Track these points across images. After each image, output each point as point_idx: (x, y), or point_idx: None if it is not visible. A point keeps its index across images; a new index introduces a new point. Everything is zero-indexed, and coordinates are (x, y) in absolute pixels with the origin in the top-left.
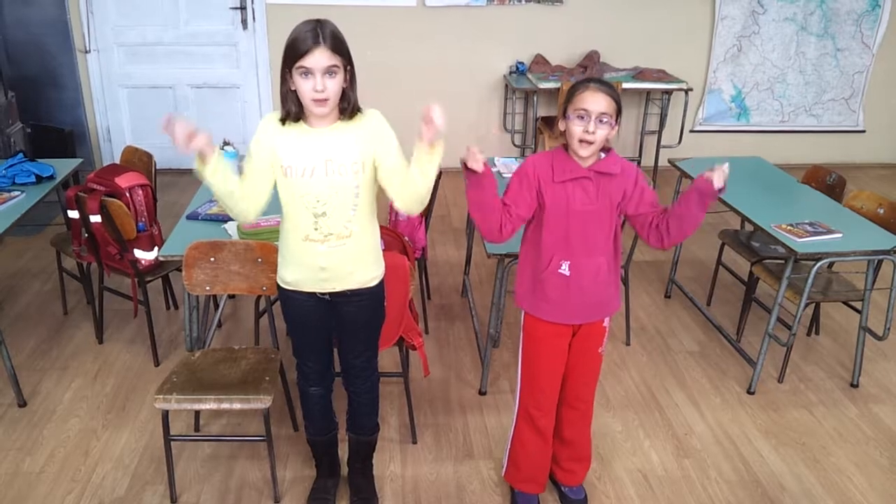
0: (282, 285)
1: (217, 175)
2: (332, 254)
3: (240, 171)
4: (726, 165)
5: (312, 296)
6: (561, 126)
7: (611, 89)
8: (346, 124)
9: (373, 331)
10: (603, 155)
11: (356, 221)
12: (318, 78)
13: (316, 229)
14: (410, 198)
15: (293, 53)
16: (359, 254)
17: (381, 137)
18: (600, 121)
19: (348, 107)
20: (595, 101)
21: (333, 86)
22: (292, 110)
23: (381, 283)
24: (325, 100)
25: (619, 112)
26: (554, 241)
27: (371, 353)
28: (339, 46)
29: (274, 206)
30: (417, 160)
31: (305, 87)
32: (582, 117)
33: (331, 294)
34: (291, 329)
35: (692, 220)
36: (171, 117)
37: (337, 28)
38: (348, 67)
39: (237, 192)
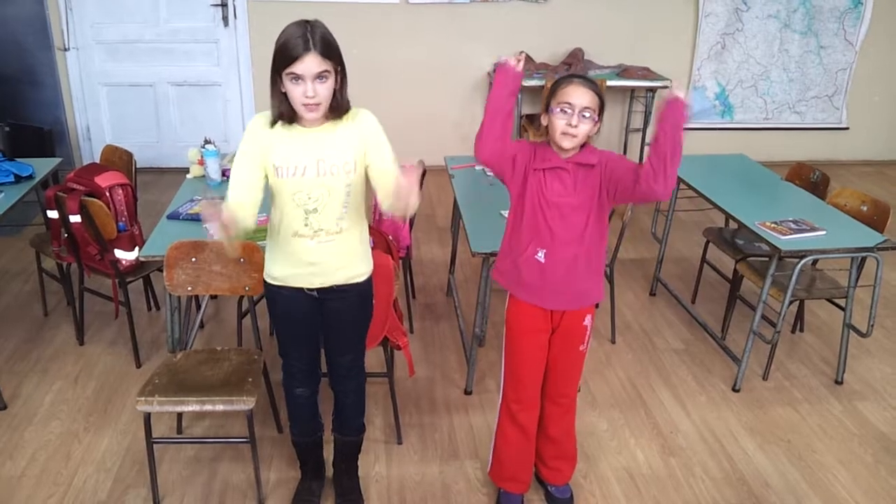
0: (269, 281)
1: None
2: (322, 249)
3: (222, 171)
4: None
5: (300, 291)
6: (543, 120)
7: (594, 85)
8: (338, 124)
9: (360, 329)
10: (580, 148)
11: (347, 218)
12: (308, 84)
13: (306, 225)
14: (396, 206)
15: (283, 59)
16: (348, 249)
17: (372, 138)
18: (583, 115)
19: (339, 106)
20: (578, 96)
21: (324, 91)
22: (283, 114)
23: (370, 279)
24: (317, 105)
25: (601, 108)
26: (531, 229)
27: (357, 351)
28: (329, 51)
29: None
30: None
31: (296, 93)
32: (565, 111)
33: (319, 290)
34: (278, 326)
35: (675, 145)
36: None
37: (327, 30)
38: (339, 69)
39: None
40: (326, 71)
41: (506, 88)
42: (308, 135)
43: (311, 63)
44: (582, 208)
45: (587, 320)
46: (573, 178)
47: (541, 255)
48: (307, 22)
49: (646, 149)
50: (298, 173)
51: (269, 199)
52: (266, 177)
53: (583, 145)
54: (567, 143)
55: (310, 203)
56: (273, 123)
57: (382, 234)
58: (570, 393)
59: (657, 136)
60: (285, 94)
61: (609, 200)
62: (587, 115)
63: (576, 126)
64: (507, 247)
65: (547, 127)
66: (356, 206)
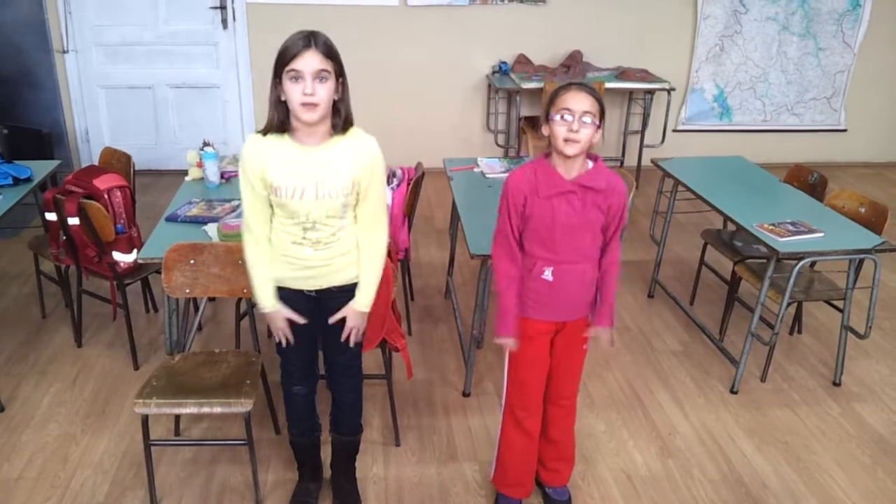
0: None
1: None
2: (320, 255)
3: (221, 174)
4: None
5: (299, 293)
6: (545, 131)
7: (593, 90)
8: (338, 142)
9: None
10: (590, 164)
11: (345, 229)
12: (308, 81)
13: (304, 238)
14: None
15: (284, 58)
16: (345, 252)
17: (370, 169)
18: (583, 120)
19: (340, 121)
20: (578, 101)
21: (324, 92)
22: (276, 120)
23: None
24: (315, 105)
25: (602, 114)
26: (538, 249)
27: (355, 351)
28: (330, 53)
29: None
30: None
31: (295, 92)
32: (565, 117)
33: (317, 291)
34: None
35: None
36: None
37: (330, 40)
38: (340, 79)
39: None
40: (326, 70)
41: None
42: (306, 154)
43: (311, 59)
44: (589, 226)
45: (591, 318)
46: (581, 199)
47: (548, 274)
48: (310, 31)
49: (644, 151)
50: (297, 195)
51: None
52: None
53: (593, 158)
54: (570, 150)
55: (307, 222)
56: (265, 133)
57: None
58: (572, 394)
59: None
60: (284, 104)
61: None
62: (588, 119)
63: (577, 131)
64: None
65: (549, 137)
66: (353, 216)
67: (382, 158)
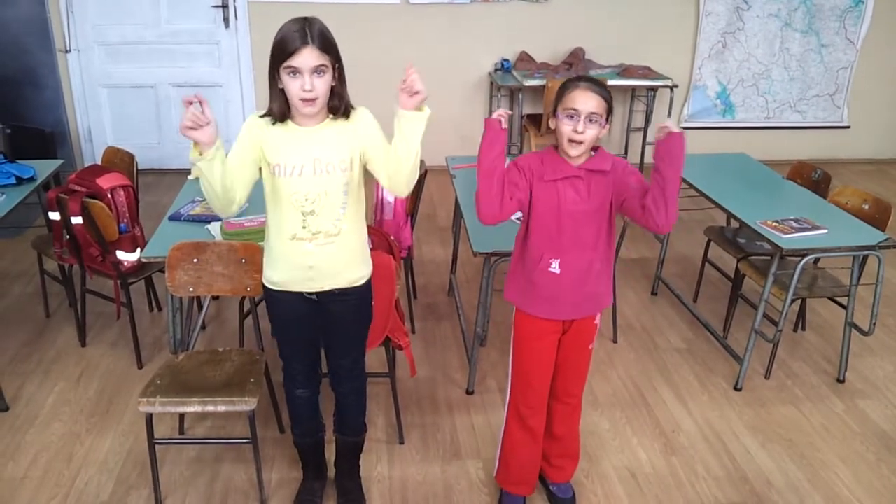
0: (268, 286)
1: (210, 169)
2: (320, 252)
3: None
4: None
5: (299, 296)
6: (551, 124)
7: (602, 88)
8: (335, 122)
9: (360, 331)
10: (592, 153)
11: (345, 220)
12: (306, 77)
13: (304, 227)
14: (397, 176)
15: (281, 53)
16: (347, 252)
17: (368, 134)
18: (590, 120)
19: (340, 105)
20: (585, 101)
21: (322, 85)
22: (276, 109)
23: (369, 282)
24: (314, 99)
25: (609, 111)
26: (544, 239)
27: (358, 353)
28: (327, 45)
29: (258, 205)
30: (401, 129)
31: (294, 87)
32: (571, 116)
33: (318, 294)
34: (278, 330)
35: (676, 182)
36: (194, 102)
37: (325, 26)
38: (337, 66)
39: (225, 183)
40: (324, 65)
41: (493, 150)
42: (305, 133)
43: (308, 56)
44: (596, 214)
45: (597, 318)
46: (587, 184)
47: (555, 266)
48: (305, 18)
49: (647, 148)
50: (296, 173)
51: (265, 202)
52: (259, 169)
53: (595, 148)
54: (574, 151)
55: (307, 205)
56: (266, 116)
57: (384, 234)
58: (577, 392)
59: (659, 177)
60: (282, 91)
61: (616, 208)
62: (594, 119)
63: (582, 132)
64: (517, 263)
65: (554, 131)
66: (354, 206)
67: (375, 121)
